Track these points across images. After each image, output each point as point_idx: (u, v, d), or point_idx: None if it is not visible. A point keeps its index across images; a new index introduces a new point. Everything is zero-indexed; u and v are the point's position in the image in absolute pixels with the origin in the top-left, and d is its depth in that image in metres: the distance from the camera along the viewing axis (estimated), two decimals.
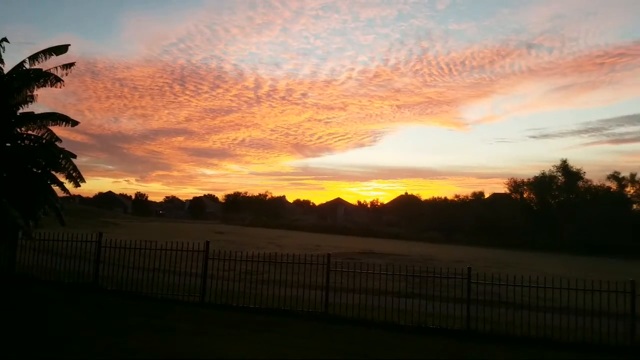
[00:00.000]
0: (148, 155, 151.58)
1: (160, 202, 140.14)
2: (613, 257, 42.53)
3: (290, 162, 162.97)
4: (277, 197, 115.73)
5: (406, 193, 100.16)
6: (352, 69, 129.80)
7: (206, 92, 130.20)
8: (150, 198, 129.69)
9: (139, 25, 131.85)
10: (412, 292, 11.60)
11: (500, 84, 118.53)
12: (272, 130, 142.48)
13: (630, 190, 61.24)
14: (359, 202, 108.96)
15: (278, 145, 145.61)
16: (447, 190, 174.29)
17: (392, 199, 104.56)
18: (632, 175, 60.45)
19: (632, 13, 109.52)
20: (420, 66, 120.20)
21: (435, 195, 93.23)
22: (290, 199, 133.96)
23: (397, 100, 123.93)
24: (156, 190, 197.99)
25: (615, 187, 61.91)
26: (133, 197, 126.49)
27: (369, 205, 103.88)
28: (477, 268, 15.99)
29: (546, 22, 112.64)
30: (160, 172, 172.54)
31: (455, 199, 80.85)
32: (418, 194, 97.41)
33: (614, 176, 62.17)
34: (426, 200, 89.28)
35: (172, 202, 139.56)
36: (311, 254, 12.28)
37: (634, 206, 60.60)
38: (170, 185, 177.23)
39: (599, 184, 62.98)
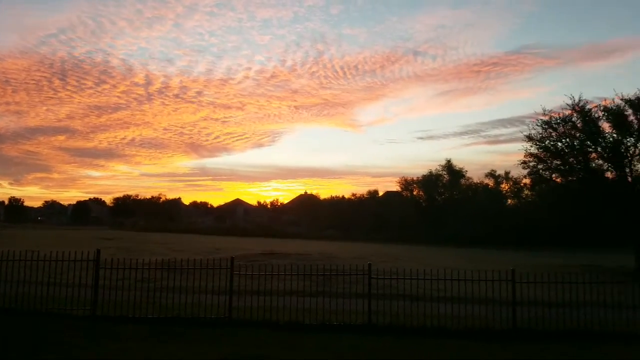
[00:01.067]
0: (23, 156, 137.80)
1: (39, 208, 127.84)
2: (493, 248, 46.71)
3: (186, 162, 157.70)
4: (172, 199, 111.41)
5: (305, 192, 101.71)
6: (249, 68, 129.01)
7: (90, 88, 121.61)
8: (26, 203, 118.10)
9: (11, 13, 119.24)
10: (316, 290, 11.75)
11: (391, 88, 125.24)
12: (165, 129, 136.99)
13: (505, 186, 67.85)
14: (259, 203, 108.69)
15: (172, 145, 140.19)
16: (344, 189, 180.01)
17: (291, 198, 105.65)
18: (507, 173, 67.04)
19: (504, 26, 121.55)
20: (317, 68, 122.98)
21: (334, 194, 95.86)
22: (187, 201, 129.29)
23: (295, 101, 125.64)
24: (33, 194, 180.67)
25: (492, 184, 68.19)
26: (6, 202, 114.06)
27: (269, 206, 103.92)
28: (375, 263, 16.63)
29: (430, 32, 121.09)
30: (38, 175, 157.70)
31: (352, 197, 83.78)
32: (317, 193, 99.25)
33: (491, 174, 68.52)
34: (325, 199, 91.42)
35: (52, 207, 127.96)
36: (213, 258, 11.94)
37: (509, 201, 67.17)
38: (49, 188, 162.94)
39: (478, 182, 69.02)
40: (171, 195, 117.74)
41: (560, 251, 41.68)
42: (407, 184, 72.64)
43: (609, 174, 29.53)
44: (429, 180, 69.58)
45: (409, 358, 8.57)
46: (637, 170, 28.34)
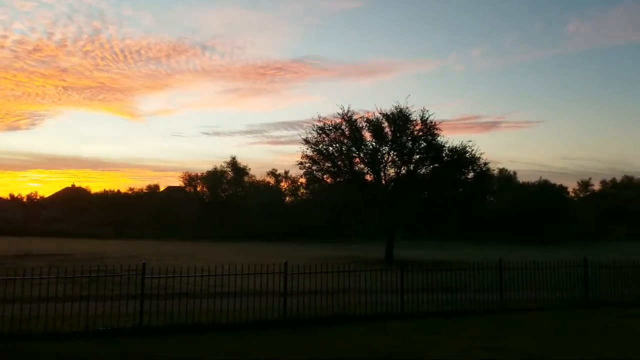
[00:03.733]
0: None
1: None
2: (272, 242, 49.22)
3: None
4: None
5: (73, 185, 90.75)
6: (5, 37, 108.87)
7: None
8: None
9: None
10: (80, 294, 10.57)
11: (176, 79, 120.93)
12: None
13: (284, 185, 72.39)
14: (12, 196, 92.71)
15: None
16: (121, 182, 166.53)
17: (55, 191, 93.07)
18: (286, 172, 71.61)
19: (289, 35, 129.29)
20: (92, 47, 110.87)
21: (108, 188, 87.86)
22: None
23: (64, 80, 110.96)
24: None
25: (273, 182, 72.06)
26: None
27: (24, 199, 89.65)
28: (153, 262, 15.87)
29: (219, 28, 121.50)
30: None
31: (130, 192, 78.36)
32: (87, 187, 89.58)
33: (272, 173, 72.40)
34: (97, 194, 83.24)
35: None
36: None
37: (287, 198, 71.79)
38: None
39: (261, 179, 72.11)
40: None
41: (330, 244, 46.28)
42: (190, 179, 71.49)
43: (368, 177, 34.03)
44: (214, 177, 69.79)
45: (181, 357, 8.36)
46: (389, 174, 33.33)
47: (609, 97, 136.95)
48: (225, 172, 70.20)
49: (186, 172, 72.05)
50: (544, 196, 65.09)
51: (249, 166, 72.24)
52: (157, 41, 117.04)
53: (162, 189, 78.44)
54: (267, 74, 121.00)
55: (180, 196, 69.44)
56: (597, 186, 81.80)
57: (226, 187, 70.60)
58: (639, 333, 10.23)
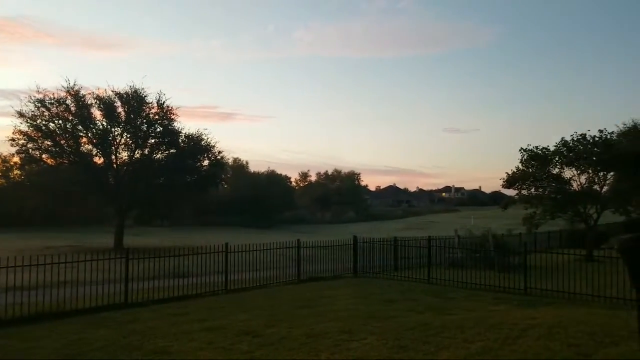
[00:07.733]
0: None
1: None
2: None
3: None
4: None
5: None
6: None
7: None
8: None
9: None
10: None
11: None
12: None
13: None
14: None
15: None
16: None
17: None
18: None
19: None
20: None
21: None
22: None
23: None
24: None
25: None
26: None
27: None
28: None
29: None
30: None
31: None
32: None
33: None
34: None
35: None
36: None
37: None
38: None
39: None
40: None
41: (49, 232, 40.72)
42: None
43: (98, 159, 31.40)
44: None
45: None
46: (122, 157, 31.42)
47: (325, 100, 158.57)
48: None
49: None
50: (271, 185, 71.29)
51: None
52: None
53: None
54: None
55: None
56: (313, 177, 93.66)
57: None
58: (337, 302, 12.26)
